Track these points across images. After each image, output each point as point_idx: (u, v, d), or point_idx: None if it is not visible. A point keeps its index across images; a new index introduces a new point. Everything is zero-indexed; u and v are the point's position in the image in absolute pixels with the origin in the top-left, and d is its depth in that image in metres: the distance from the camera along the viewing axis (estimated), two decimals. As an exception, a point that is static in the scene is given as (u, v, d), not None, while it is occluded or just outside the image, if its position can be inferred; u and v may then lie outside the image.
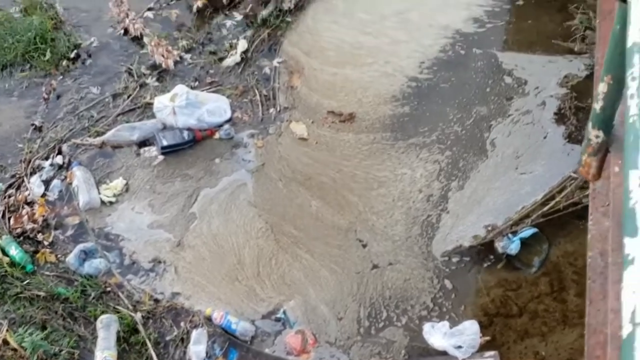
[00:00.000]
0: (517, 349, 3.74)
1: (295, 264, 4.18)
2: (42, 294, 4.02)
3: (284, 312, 3.97)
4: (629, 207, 1.36)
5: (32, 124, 5.03)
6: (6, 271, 4.11)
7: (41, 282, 4.08)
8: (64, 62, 5.45)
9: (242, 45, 5.41)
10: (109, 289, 4.12)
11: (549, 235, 4.13)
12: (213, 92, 5.14)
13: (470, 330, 3.73)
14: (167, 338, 3.91)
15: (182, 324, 3.94)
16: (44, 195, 4.58)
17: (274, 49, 5.45)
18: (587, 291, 2.24)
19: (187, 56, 5.45)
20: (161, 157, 4.77)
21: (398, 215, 4.34)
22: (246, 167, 4.70)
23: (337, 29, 5.53)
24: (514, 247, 4.05)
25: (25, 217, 4.42)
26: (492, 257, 4.10)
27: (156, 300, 4.06)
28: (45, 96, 5.20)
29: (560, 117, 4.69)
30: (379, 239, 4.24)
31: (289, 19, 5.61)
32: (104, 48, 5.60)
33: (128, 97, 5.16)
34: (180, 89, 4.91)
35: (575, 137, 4.50)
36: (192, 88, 5.09)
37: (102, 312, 3.95)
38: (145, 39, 5.46)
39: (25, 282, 4.07)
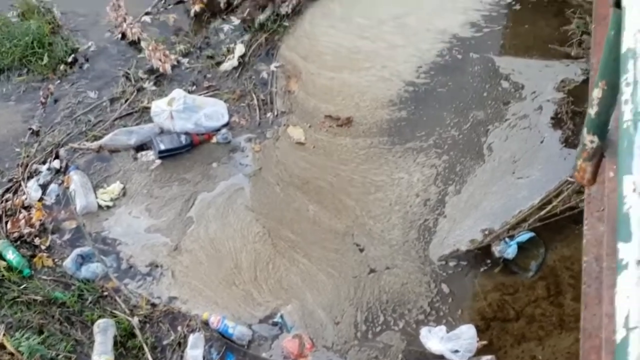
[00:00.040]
0: (514, 353, 3.75)
1: (292, 268, 4.18)
2: (39, 298, 4.01)
3: (281, 317, 3.97)
4: (623, 212, 1.36)
5: (30, 128, 5.03)
6: (3, 275, 4.10)
7: (38, 287, 4.08)
8: (62, 67, 5.45)
9: (240, 49, 5.41)
10: (106, 293, 4.11)
11: (546, 239, 4.14)
12: (210, 96, 5.14)
13: (467, 335, 3.73)
14: (164, 342, 3.90)
15: (179, 328, 3.93)
16: (41, 199, 4.57)
17: (272, 54, 5.45)
18: (582, 296, 2.24)
19: (185, 60, 5.46)
20: (158, 162, 4.77)
21: (395, 219, 4.35)
22: (243, 172, 4.71)
23: (335, 34, 5.54)
24: (511, 251, 4.06)
25: (23, 222, 4.42)
26: (489, 261, 4.10)
27: (153, 305, 4.05)
28: (43, 100, 5.20)
29: (557, 121, 4.70)
30: (376, 243, 4.25)
31: (286, 24, 5.61)
32: (102, 52, 5.60)
33: (125, 101, 5.16)
34: (177, 93, 4.91)
35: (572, 142, 4.51)
36: (190, 92, 5.09)
37: (99, 317, 3.94)
38: (143, 43, 5.46)
39: (22, 287, 4.06)
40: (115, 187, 4.62)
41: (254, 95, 5.13)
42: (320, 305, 4.01)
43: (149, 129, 4.90)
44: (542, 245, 4.12)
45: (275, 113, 5.03)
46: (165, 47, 5.42)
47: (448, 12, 5.60)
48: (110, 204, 4.56)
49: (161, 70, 5.30)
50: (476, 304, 3.96)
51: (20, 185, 4.66)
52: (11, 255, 4.20)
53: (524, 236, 4.10)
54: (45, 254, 4.29)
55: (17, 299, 4.01)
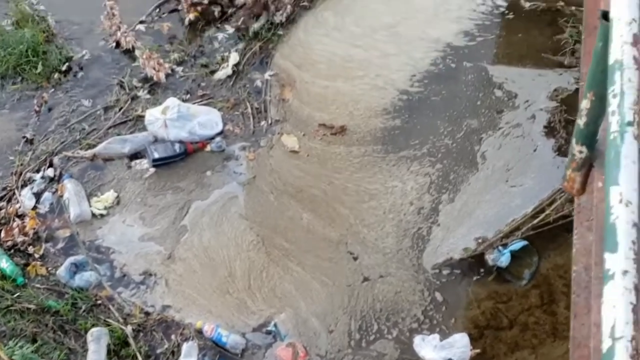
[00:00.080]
0: (507, 362, 3.76)
1: (286, 277, 4.18)
2: (32, 306, 4.01)
3: (275, 325, 3.97)
4: (610, 222, 1.38)
5: (24, 137, 5.02)
6: (-4, 284, 4.11)
7: (32, 295, 4.07)
8: (56, 75, 5.44)
9: (234, 58, 5.42)
10: (99, 301, 4.11)
11: (539, 247, 4.15)
12: (204, 104, 5.15)
13: (460, 343, 3.74)
14: (158, 351, 3.90)
15: (172, 336, 3.93)
16: (34, 207, 4.57)
17: (266, 62, 5.46)
18: (572, 305, 2.25)
19: (179, 69, 5.46)
20: (152, 170, 4.77)
21: (389, 227, 4.35)
22: (237, 180, 4.71)
23: (329, 42, 5.55)
24: (504, 260, 4.07)
25: (16, 230, 4.41)
26: (482, 269, 4.12)
27: (147, 313, 4.05)
28: (37, 109, 5.19)
29: (550, 130, 4.72)
30: (369, 252, 4.25)
31: (280, 32, 5.62)
32: (96, 61, 5.60)
33: (119, 109, 5.16)
34: (171, 101, 4.92)
35: (564, 150, 4.51)
36: (184, 101, 5.09)
37: (93, 325, 3.93)
38: (137, 52, 5.47)
39: (15, 295, 4.06)
40: (109, 196, 4.62)
41: (248, 104, 5.14)
42: (314, 314, 4.01)
43: (143, 138, 4.90)
44: (535, 253, 4.13)
45: (270, 121, 5.04)
46: (159, 56, 5.42)
47: (441, 21, 5.61)
48: (104, 212, 4.56)
49: (155, 78, 5.30)
50: (470, 313, 3.97)
51: (14, 193, 4.65)
52: (5, 264, 4.19)
53: (517, 244, 4.11)
54: (38, 263, 4.28)
55: (11, 308, 4.00)
